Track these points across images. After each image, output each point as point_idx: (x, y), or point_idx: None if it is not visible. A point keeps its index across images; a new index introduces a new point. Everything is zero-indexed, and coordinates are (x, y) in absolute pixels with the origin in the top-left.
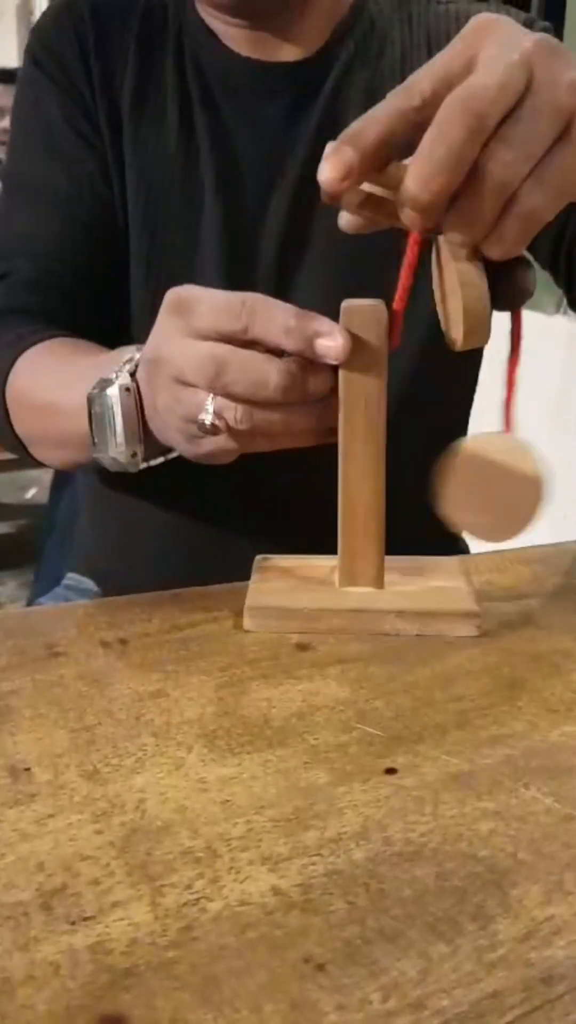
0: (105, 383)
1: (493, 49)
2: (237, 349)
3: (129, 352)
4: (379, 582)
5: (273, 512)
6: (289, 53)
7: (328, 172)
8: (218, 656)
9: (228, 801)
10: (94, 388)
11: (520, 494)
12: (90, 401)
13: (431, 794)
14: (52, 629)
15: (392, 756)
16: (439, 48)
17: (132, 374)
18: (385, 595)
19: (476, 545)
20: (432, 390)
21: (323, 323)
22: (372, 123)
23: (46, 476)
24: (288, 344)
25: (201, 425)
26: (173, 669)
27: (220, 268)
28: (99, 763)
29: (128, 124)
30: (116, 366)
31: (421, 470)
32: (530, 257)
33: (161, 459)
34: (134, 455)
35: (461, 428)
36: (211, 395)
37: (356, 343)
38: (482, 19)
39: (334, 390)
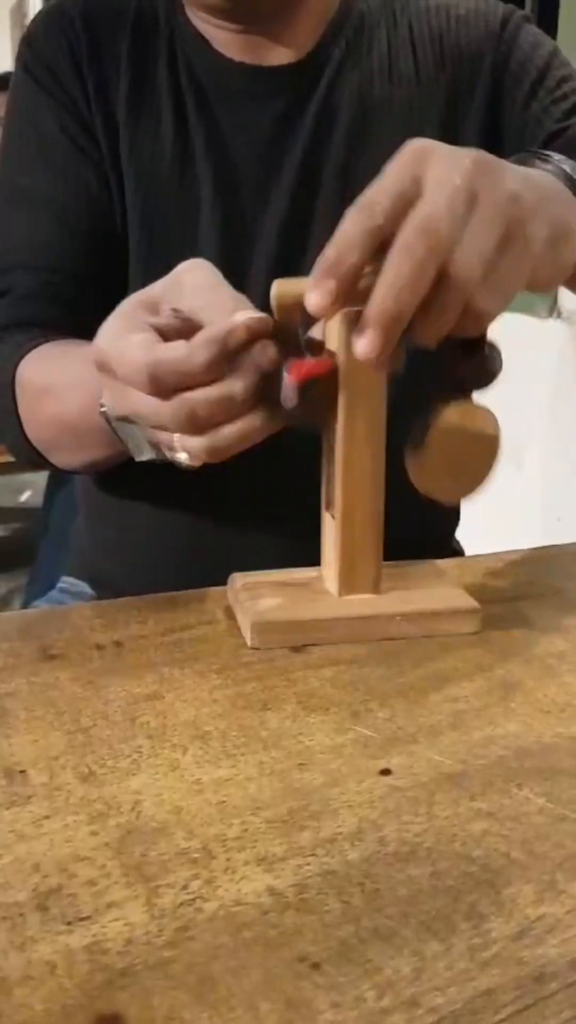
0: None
1: (438, 170)
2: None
3: None
4: (378, 588)
5: (270, 515)
6: (281, 56)
7: (318, 302)
8: (213, 658)
9: (223, 802)
10: (101, 404)
11: (481, 451)
12: (106, 417)
13: (425, 795)
14: (47, 631)
15: (386, 757)
16: (421, 42)
17: None
18: (386, 600)
19: (470, 547)
20: (424, 397)
21: (221, 327)
22: (347, 251)
23: (40, 480)
24: (213, 374)
25: (180, 463)
26: (168, 671)
27: (217, 268)
28: (95, 765)
29: (124, 130)
30: None
31: None
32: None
33: None
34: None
35: None
36: (174, 437)
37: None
38: (419, 144)
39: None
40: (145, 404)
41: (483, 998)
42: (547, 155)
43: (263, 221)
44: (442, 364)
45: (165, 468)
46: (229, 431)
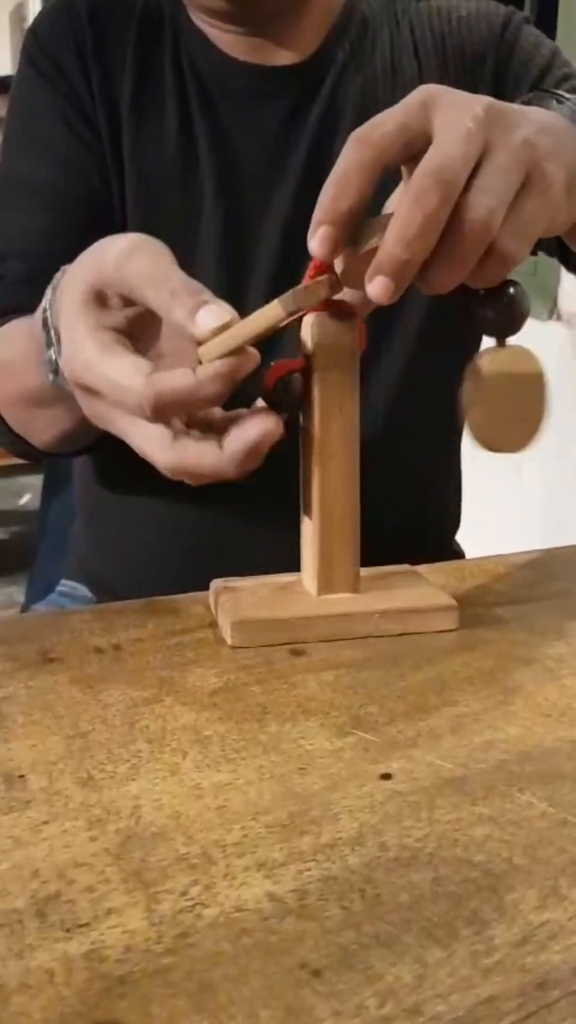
0: (52, 365)
1: (449, 116)
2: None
3: (44, 311)
4: (356, 587)
5: (270, 519)
6: (285, 57)
7: (319, 251)
8: (212, 662)
9: (223, 807)
10: (49, 374)
11: (532, 392)
12: (59, 387)
13: (426, 799)
14: (46, 635)
15: (387, 761)
16: (423, 45)
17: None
18: (365, 598)
19: (470, 550)
20: (424, 399)
21: (232, 363)
22: (344, 191)
23: (39, 483)
24: (220, 393)
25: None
26: (167, 675)
27: (219, 270)
28: (94, 769)
29: (127, 127)
30: (43, 336)
31: (416, 478)
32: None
33: None
34: None
35: (456, 435)
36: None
37: (328, 351)
38: (430, 88)
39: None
40: (135, 430)
41: (485, 1005)
42: (561, 96)
43: (265, 221)
44: (436, 366)
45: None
46: (206, 462)
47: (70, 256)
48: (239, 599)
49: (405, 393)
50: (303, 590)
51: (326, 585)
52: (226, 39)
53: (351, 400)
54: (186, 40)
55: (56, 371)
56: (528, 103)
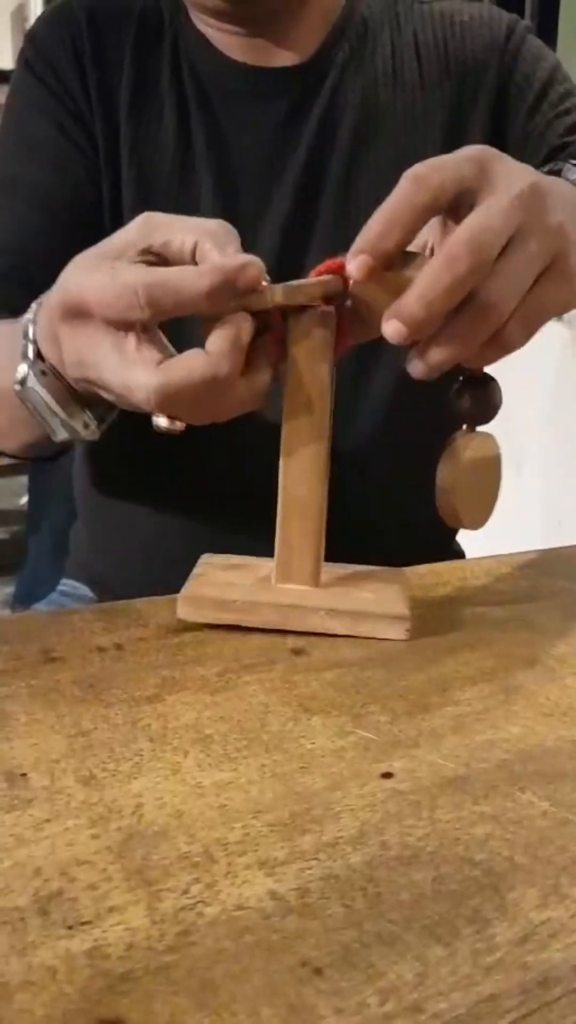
0: (22, 377)
1: (499, 185)
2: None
3: (28, 322)
4: (314, 580)
5: (271, 519)
6: (285, 58)
7: (355, 275)
8: (214, 661)
9: (225, 806)
10: (16, 384)
11: (494, 474)
12: (22, 399)
13: (427, 798)
14: (48, 634)
15: (388, 760)
16: (425, 48)
17: (39, 353)
18: (318, 593)
19: (471, 550)
20: (423, 398)
21: (231, 259)
22: (392, 228)
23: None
24: (210, 306)
25: (157, 427)
26: (169, 674)
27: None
28: (96, 768)
29: (125, 130)
30: (22, 345)
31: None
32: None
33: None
34: (86, 426)
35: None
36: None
37: (300, 348)
38: (489, 151)
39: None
40: (117, 363)
41: (487, 1003)
42: None
43: (264, 222)
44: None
45: (164, 471)
46: (181, 375)
47: (52, 255)
48: (205, 575)
49: (404, 392)
50: (268, 576)
51: (283, 574)
52: (226, 40)
53: (320, 394)
54: (185, 42)
55: (23, 382)
56: (556, 173)
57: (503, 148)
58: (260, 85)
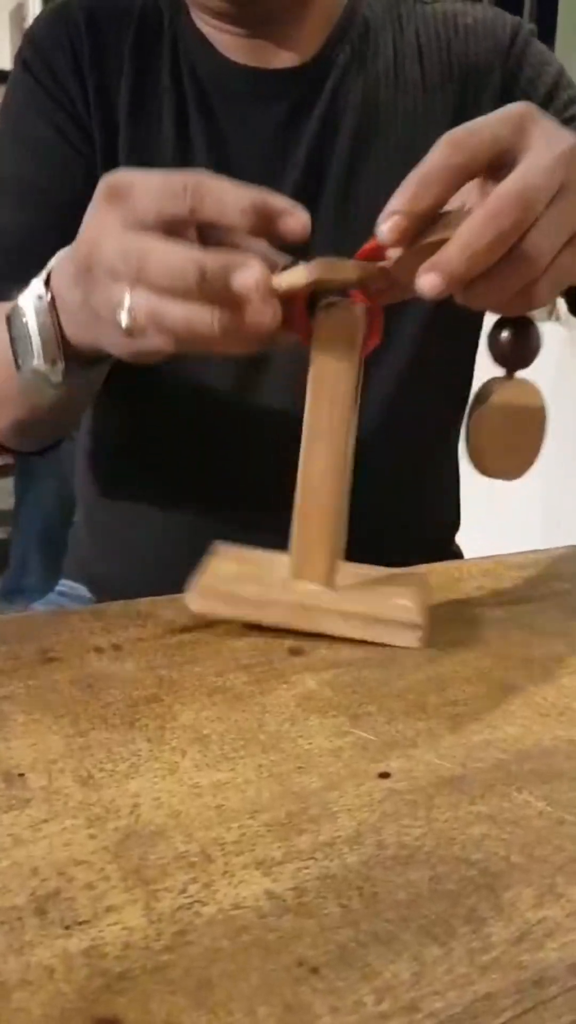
0: (23, 297)
1: (540, 143)
2: (165, 240)
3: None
4: (329, 581)
5: (272, 520)
6: (285, 60)
7: (387, 237)
8: (212, 661)
9: (222, 806)
10: (10, 308)
11: (532, 425)
12: (8, 322)
13: (424, 798)
14: (46, 634)
15: (385, 760)
16: (428, 49)
17: (46, 282)
18: (333, 595)
19: (470, 550)
20: (422, 398)
21: (281, 199)
22: (427, 188)
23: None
24: (244, 223)
25: (119, 324)
26: (167, 674)
27: None
28: (93, 768)
29: (123, 131)
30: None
31: (413, 475)
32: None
33: (92, 370)
34: (54, 362)
35: (454, 434)
36: (127, 293)
37: (328, 342)
38: (528, 110)
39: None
40: (128, 239)
41: (483, 1002)
42: None
43: None
44: (435, 366)
45: (166, 472)
46: (176, 309)
47: (49, 256)
48: (218, 567)
49: (404, 391)
50: (282, 573)
51: (297, 571)
52: (226, 41)
53: (344, 395)
54: (185, 43)
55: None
56: None
57: None
58: (260, 86)
